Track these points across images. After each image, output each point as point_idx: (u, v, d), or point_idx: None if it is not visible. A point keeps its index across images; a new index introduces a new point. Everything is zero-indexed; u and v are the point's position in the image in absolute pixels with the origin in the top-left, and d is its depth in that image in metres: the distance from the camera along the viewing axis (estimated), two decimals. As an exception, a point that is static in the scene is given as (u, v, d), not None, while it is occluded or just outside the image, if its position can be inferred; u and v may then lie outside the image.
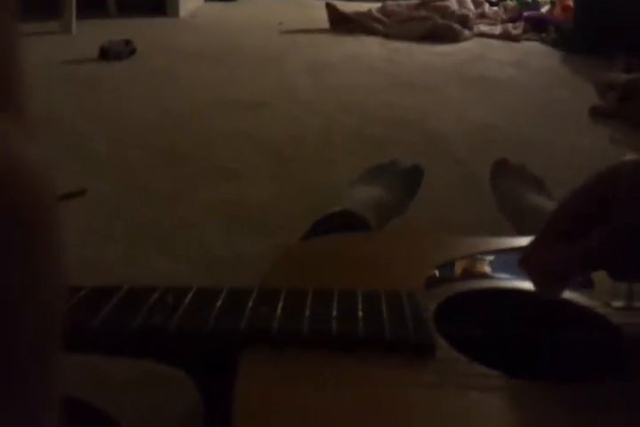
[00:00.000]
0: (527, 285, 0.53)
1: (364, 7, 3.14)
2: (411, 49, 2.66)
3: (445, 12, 2.96)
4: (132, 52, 2.31)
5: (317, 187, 1.31)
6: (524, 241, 0.62)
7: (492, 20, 3.15)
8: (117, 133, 1.58)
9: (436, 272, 0.53)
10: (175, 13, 3.17)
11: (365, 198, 1.02)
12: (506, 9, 3.31)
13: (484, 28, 3.05)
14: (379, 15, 3.02)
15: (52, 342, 0.19)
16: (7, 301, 0.17)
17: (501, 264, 0.57)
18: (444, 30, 2.83)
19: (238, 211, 1.20)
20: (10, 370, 0.17)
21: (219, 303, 0.43)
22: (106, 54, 2.22)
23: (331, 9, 2.98)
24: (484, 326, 0.48)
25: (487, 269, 0.56)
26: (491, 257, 0.57)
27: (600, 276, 0.44)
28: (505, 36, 2.94)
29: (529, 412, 0.38)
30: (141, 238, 1.09)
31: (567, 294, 0.50)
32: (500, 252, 0.59)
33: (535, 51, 2.78)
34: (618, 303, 0.49)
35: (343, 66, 2.34)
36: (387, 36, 2.86)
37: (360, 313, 0.44)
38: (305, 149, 1.53)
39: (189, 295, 0.44)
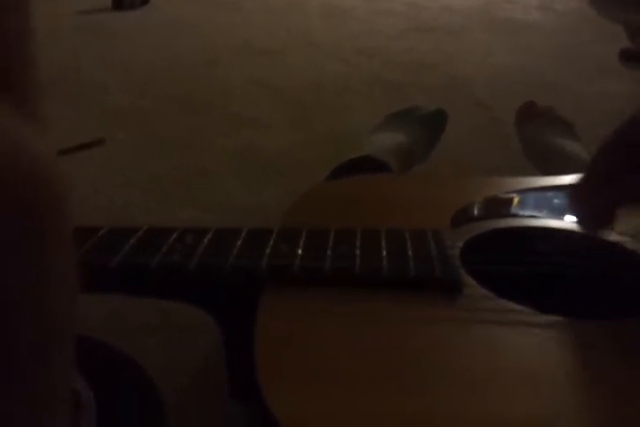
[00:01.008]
0: (554, 223, 0.51)
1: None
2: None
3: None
4: (146, 0, 2.25)
5: (336, 134, 1.28)
6: (550, 181, 0.60)
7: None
8: (133, 83, 1.55)
9: (463, 211, 0.51)
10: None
11: (387, 144, 0.99)
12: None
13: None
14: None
15: (56, 343, 0.18)
16: (13, 295, 0.16)
17: (529, 203, 0.55)
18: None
19: (257, 159, 1.18)
20: (10, 370, 0.16)
21: (239, 242, 0.42)
22: (119, 3, 2.17)
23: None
24: (512, 263, 0.47)
25: (514, 208, 0.54)
26: (518, 196, 0.56)
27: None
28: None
29: (560, 347, 0.37)
30: (160, 187, 1.08)
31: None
32: (526, 191, 0.57)
33: (562, -9, 2.66)
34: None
35: (362, 10, 2.26)
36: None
37: (384, 251, 0.43)
38: (323, 96, 1.50)
39: (209, 235, 0.43)
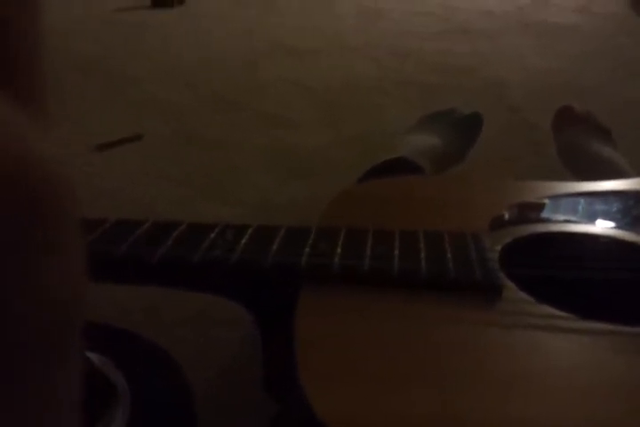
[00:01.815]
0: (596, 228, 0.51)
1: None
2: (467, -6, 2.54)
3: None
4: (182, -1, 2.28)
5: (367, 134, 1.28)
6: (588, 187, 0.59)
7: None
8: (168, 80, 1.57)
9: (501, 215, 0.51)
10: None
11: (421, 146, 0.99)
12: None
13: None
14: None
15: (63, 347, 0.18)
16: (17, 297, 0.16)
17: (566, 209, 0.55)
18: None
19: (288, 157, 1.19)
20: (10, 371, 0.16)
21: (278, 239, 0.43)
22: (158, 1, 2.20)
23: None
24: (552, 268, 0.47)
25: (551, 213, 0.54)
26: (554, 201, 0.55)
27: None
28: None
29: (603, 354, 0.37)
30: (193, 182, 1.09)
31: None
32: (564, 196, 0.56)
33: (601, -5, 2.62)
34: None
35: (397, 11, 2.25)
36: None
37: (422, 252, 0.43)
38: (355, 97, 1.50)
39: (249, 231, 0.44)
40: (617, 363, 0.36)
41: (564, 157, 1.03)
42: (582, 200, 0.56)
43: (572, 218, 0.52)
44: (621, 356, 0.37)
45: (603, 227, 0.51)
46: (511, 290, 0.41)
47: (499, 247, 0.46)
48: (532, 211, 0.53)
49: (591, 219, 0.52)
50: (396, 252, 0.43)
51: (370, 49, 1.84)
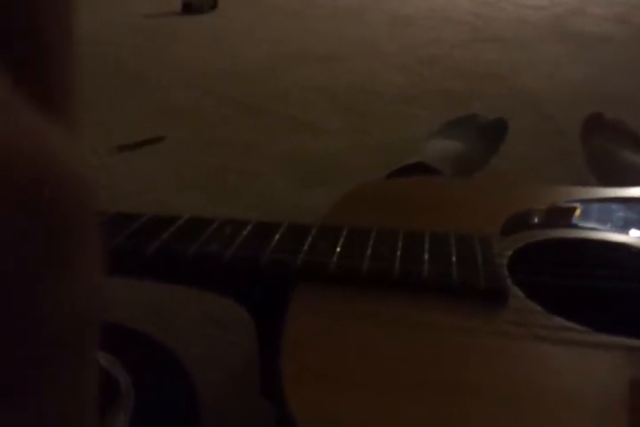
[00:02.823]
0: (616, 236, 0.48)
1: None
2: (500, 2, 2.51)
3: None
4: (214, 5, 2.30)
5: (391, 141, 1.26)
6: (613, 192, 0.57)
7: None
8: (194, 85, 1.58)
9: (515, 218, 0.49)
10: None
11: (443, 152, 0.97)
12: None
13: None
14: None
15: (81, 351, 0.18)
16: (38, 304, 0.16)
17: (587, 214, 0.52)
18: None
19: (310, 162, 1.18)
20: (40, 371, 0.16)
21: (277, 236, 0.42)
22: (188, 8, 2.22)
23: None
24: (565, 276, 0.44)
25: (575, 218, 0.51)
26: (576, 206, 0.53)
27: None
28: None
29: (618, 371, 0.34)
30: (212, 186, 1.09)
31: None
32: (587, 202, 0.54)
33: None
34: None
35: (426, 19, 2.24)
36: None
37: (426, 254, 0.41)
38: (382, 103, 1.48)
39: (248, 227, 0.43)
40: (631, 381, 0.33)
41: (591, 165, 0.99)
42: (604, 206, 0.53)
43: (596, 225, 0.50)
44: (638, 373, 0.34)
45: (622, 234, 0.48)
46: (519, 299, 0.39)
47: (509, 252, 0.44)
48: (551, 215, 0.51)
49: (616, 226, 0.50)
50: (399, 253, 0.41)
51: (398, 56, 1.82)
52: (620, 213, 0.52)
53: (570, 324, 0.37)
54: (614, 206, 0.54)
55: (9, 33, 0.17)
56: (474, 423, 0.30)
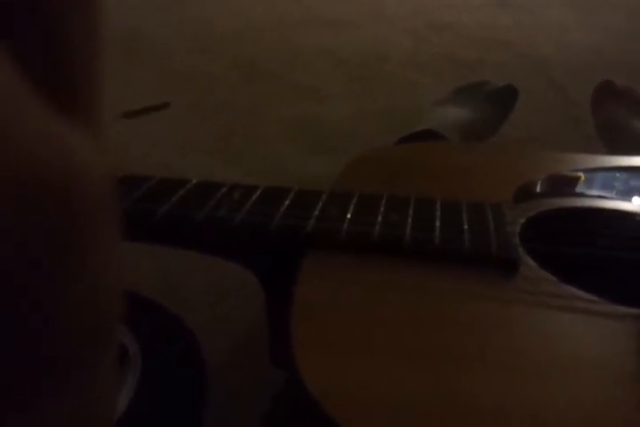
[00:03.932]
0: (625, 205, 0.47)
1: None
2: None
3: None
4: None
5: (398, 108, 1.24)
6: (623, 161, 0.56)
7: None
8: (200, 49, 1.55)
9: (527, 186, 0.48)
10: None
11: (451, 119, 0.96)
12: None
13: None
14: None
15: (97, 348, 0.18)
16: (55, 305, 0.15)
17: (597, 183, 0.51)
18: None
19: (316, 128, 1.16)
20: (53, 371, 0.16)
21: (287, 202, 0.41)
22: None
23: None
24: (577, 245, 0.44)
25: (581, 186, 0.50)
26: (586, 175, 0.52)
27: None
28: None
29: (628, 340, 0.34)
30: (217, 151, 1.08)
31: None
32: (596, 170, 0.53)
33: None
34: None
35: (437, -17, 2.18)
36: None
37: (437, 221, 0.41)
38: (389, 70, 1.46)
39: (257, 192, 0.42)
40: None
41: (602, 133, 0.98)
42: (618, 175, 0.53)
43: (603, 193, 0.49)
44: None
45: (631, 203, 0.48)
46: (531, 267, 0.39)
47: (522, 220, 0.44)
48: (559, 183, 0.50)
49: (622, 194, 0.49)
50: (410, 220, 0.40)
51: (407, 21, 1.79)
52: (627, 182, 0.51)
53: (581, 293, 0.37)
54: (621, 175, 0.53)
55: (25, 24, 0.16)
56: (480, 390, 0.30)
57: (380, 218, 0.40)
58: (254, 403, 0.57)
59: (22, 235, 0.14)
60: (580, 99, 1.16)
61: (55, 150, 0.15)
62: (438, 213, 0.41)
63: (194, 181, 0.43)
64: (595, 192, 0.49)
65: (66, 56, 0.17)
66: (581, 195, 0.49)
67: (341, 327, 0.33)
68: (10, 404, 0.15)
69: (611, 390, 0.30)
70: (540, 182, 0.50)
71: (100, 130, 0.19)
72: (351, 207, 0.41)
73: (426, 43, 1.62)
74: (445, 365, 0.31)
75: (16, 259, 0.14)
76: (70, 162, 0.15)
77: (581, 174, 0.52)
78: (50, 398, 0.16)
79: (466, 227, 0.40)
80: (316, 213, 0.40)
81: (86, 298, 0.16)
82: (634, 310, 0.35)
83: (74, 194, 0.15)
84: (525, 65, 1.49)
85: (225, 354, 0.68)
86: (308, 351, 0.31)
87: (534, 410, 0.29)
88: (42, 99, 0.15)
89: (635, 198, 0.49)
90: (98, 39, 0.19)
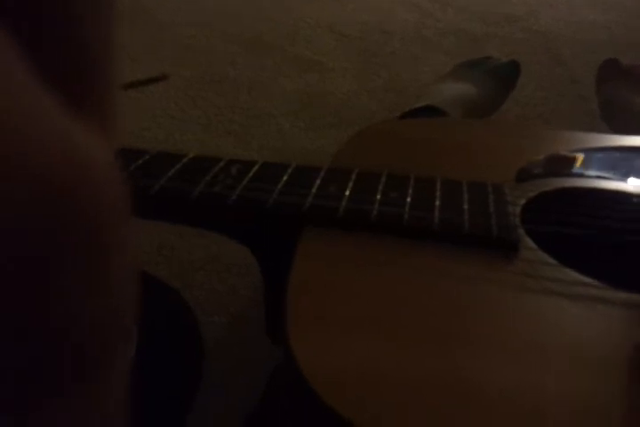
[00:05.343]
0: (626, 186, 0.47)
1: None
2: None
3: None
4: None
5: (401, 83, 1.23)
6: (630, 141, 0.55)
7: None
8: (201, 22, 1.53)
9: (529, 166, 0.47)
10: None
11: (453, 95, 0.94)
12: None
13: None
14: None
15: (113, 345, 0.18)
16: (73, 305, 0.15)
17: (598, 163, 0.50)
18: None
19: (318, 103, 1.15)
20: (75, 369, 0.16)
21: (285, 178, 0.40)
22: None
23: None
24: (579, 227, 0.43)
25: (582, 167, 0.49)
26: (596, 154, 0.51)
27: None
28: None
29: (630, 327, 0.34)
30: (218, 124, 1.07)
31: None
32: (597, 150, 0.52)
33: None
34: None
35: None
36: None
37: (437, 201, 0.40)
38: (393, 44, 1.44)
39: (255, 168, 0.41)
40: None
41: (605, 111, 0.97)
42: (619, 155, 0.52)
43: (603, 173, 0.48)
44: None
45: (636, 185, 0.47)
46: (531, 249, 0.38)
47: (522, 201, 0.43)
48: (559, 164, 0.50)
49: (622, 175, 0.48)
50: (409, 199, 0.40)
51: (411, -6, 1.75)
52: (628, 162, 0.51)
53: (582, 277, 0.36)
54: (621, 155, 0.52)
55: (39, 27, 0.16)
56: (477, 373, 0.30)
57: (379, 196, 0.40)
58: (251, 379, 0.57)
59: (45, 233, 0.14)
60: (584, 76, 1.14)
61: (68, 149, 0.15)
62: (438, 193, 0.41)
63: (190, 155, 0.42)
64: (596, 173, 0.48)
65: (82, 56, 0.17)
66: (582, 175, 0.48)
67: (336, 305, 0.33)
68: (36, 403, 0.15)
69: (611, 375, 0.30)
70: (541, 162, 0.49)
71: (113, 129, 0.19)
72: (350, 185, 0.40)
73: (430, 17, 1.60)
74: (441, 346, 0.31)
75: (46, 254, 0.14)
76: (82, 160, 0.15)
77: (580, 155, 0.51)
78: (69, 398, 0.16)
79: (466, 207, 0.40)
80: (314, 190, 0.39)
81: (106, 298, 0.16)
82: (633, 295, 0.35)
83: (86, 192, 0.15)
84: (531, 41, 1.46)
85: (222, 329, 0.68)
86: (301, 328, 0.31)
87: (532, 394, 0.29)
88: (56, 98, 0.15)
89: (635, 179, 0.48)
90: (113, 42, 0.19)
